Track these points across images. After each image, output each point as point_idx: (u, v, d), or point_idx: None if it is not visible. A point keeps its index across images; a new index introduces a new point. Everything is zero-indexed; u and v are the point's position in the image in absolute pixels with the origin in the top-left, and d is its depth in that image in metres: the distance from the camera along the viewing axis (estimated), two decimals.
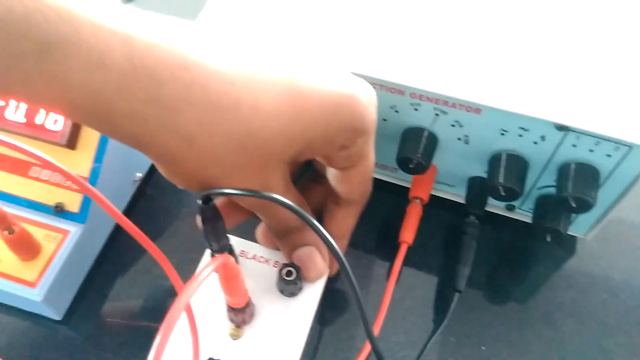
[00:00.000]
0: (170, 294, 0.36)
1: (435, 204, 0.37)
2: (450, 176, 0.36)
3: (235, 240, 0.31)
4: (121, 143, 0.23)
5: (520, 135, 0.31)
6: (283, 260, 0.30)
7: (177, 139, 0.22)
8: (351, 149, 0.26)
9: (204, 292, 0.29)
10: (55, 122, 0.34)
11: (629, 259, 0.37)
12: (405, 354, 0.33)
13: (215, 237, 0.26)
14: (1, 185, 0.35)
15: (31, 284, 0.32)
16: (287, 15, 0.34)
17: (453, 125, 0.32)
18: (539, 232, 0.33)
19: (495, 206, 0.37)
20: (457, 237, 0.35)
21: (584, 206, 0.30)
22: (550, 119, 0.29)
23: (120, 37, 0.19)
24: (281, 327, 0.28)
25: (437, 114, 0.32)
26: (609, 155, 0.29)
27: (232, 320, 0.28)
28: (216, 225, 0.25)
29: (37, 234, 0.33)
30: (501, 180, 0.31)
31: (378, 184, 0.39)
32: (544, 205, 0.34)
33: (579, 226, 0.36)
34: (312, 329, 0.29)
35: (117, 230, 0.38)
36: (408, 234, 0.35)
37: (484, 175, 0.34)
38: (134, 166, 0.39)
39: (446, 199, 0.38)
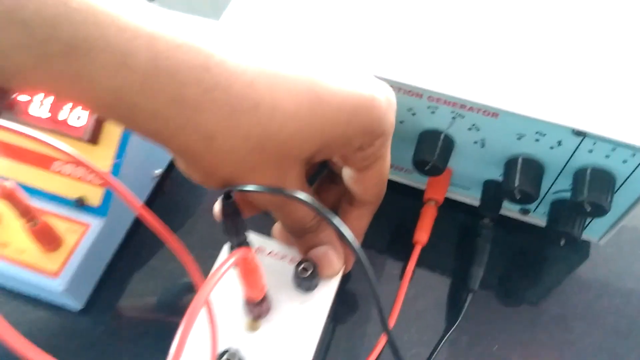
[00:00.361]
0: (186, 289, 0.37)
1: (450, 207, 0.38)
2: (465, 179, 0.37)
3: (252, 236, 0.31)
4: (143, 138, 0.23)
5: (537, 140, 0.31)
6: (299, 256, 0.30)
7: (197, 138, 0.22)
8: (368, 150, 0.27)
9: (222, 285, 0.30)
10: (78, 118, 0.35)
11: None
12: (418, 352, 0.33)
13: (235, 232, 0.26)
14: (25, 178, 0.35)
15: (54, 274, 0.33)
16: (308, 16, 0.34)
17: (470, 129, 0.32)
18: (553, 236, 0.34)
19: (509, 209, 0.38)
20: (471, 239, 0.36)
21: (599, 211, 0.30)
22: (567, 124, 0.29)
23: (144, 39, 0.20)
24: (296, 322, 0.29)
25: (454, 117, 0.32)
26: (625, 162, 0.30)
27: (249, 314, 0.29)
28: (236, 221, 0.26)
29: (60, 226, 0.34)
30: (517, 183, 0.31)
31: (393, 185, 0.40)
32: (558, 210, 0.34)
33: (593, 231, 0.36)
34: (326, 326, 0.30)
35: (136, 225, 0.39)
36: (422, 235, 0.35)
37: (500, 178, 0.34)
38: (154, 163, 0.40)
39: (461, 201, 0.39)
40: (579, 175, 0.31)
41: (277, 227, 0.32)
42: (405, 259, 0.36)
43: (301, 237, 0.29)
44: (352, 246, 0.23)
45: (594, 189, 0.30)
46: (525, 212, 0.37)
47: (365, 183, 0.30)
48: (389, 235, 0.39)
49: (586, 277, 0.37)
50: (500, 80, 0.31)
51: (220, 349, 0.27)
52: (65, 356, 0.34)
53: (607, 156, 0.30)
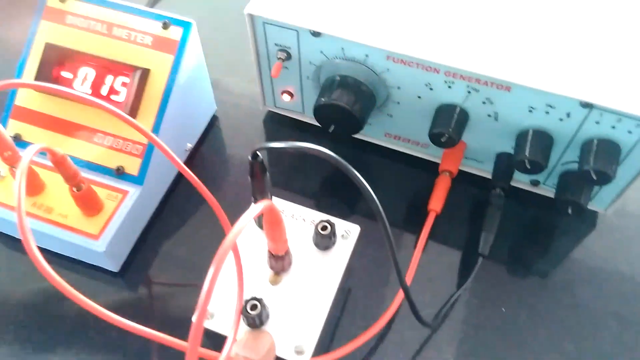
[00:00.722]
0: (214, 256, 0.39)
1: (464, 180, 0.40)
2: (478, 152, 0.39)
3: (275, 200, 0.34)
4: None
5: (547, 112, 0.33)
6: (318, 218, 0.33)
7: None
8: None
9: (248, 241, 0.32)
10: (118, 93, 0.38)
11: None
12: (430, 312, 0.36)
13: (261, 191, 0.29)
14: (69, 150, 0.38)
15: (94, 237, 0.36)
16: None
17: (484, 103, 0.34)
18: (561, 205, 0.36)
19: (520, 181, 0.40)
20: (483, 210, 0.38)
21: (605, 179, 0.32)
22: (576, 96, 0.31)
23: None
24: (315, 277, 0.31)
25: (469, 92, 0.34)
26: (630, 132, 0.32)
27: (272, 268, 0.31)
28: (263, 180, 0.28)
29: (100, 193, 0.37)
30: (527, 154, 0.33)
31: (409, 159, 0.42)
32: (566, 180, 0.36)
33: (599, 201, 0.38)
34: (343, 285, 0.32)
35: (169, 194, 0.41)
36: (436, 203, 0.37)
37: (511, 151, 0.36)
38: (186, 137, 0.43)
39: (474, 174, 0.41)
40: (586, 146, 0.33)
41: None
42: (420, 229, 0.38)
43: None
44: (371, 199, 0.25)
45: (600, 158, 0.32)
46: (536, 183, 0.39)
47: None
48: (405, 206, 0.41)
49: (592, 245, 0.39)
50: (514, 56, 0.33)
51: (246, 297, 0.30)
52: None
53: (613, 127, 0.32)
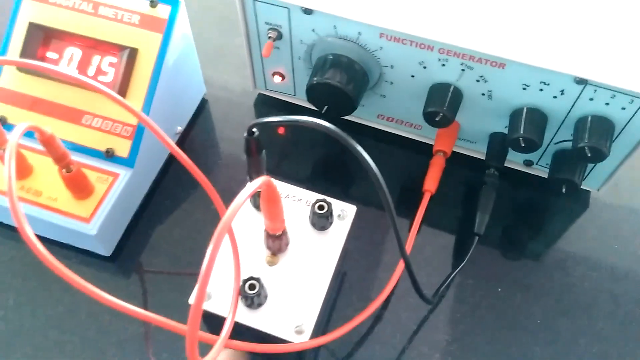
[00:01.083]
0: (209, 238, 0.39)
1: (457, 161, 0.40)
2: (472, 132, 0.39)
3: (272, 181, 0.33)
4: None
5: (541, 90, 0.33)
6: (315, 198, 0.33)
7: None
8: None
9: (244, 223, 0.32)
10: (106, 74, 0.37)
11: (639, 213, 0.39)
12: (426, 293, 0.35)
13: (257, 169, 0.28)
14: (57, 132, 0.37)
15: (85, 220, 0.35)
16: None
17: (478, 81, 0.34)
18: (554, 184, 0.36)
19: (513, 162, 0.40)
20: (477, 191, 0.38)
21: (599, 156, 0.32)
22: (570, 72, 0.31)
23: None
24: (312, 257, 0.31)
25: (463, 70, 0.34)
26: (623, 109, 0.32)
27: (269, 249, 0.31)
28: (259, 157, 0.28)
29: (90, 175, 0.36)
30: (521, 131, 0.33)
31: (403, 141, 0.42)
32: (560, 159, 0.36)
33: (592, 181, 0.38)
34: (340, 266, 0.32)
35: (160, 177, 0.41)
36: (431, 184, 0.37)
37: (505, 131, 0.36)
38: (176, 119, 0.42)
39: (468, 155, 0.41)
40: (580, 123, 0.33)
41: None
42: (415, 211, 0.38)
43: None
44: (373, 172, 0.25)
45: (594, 135, 0.32)
46: (529, 163, 0.39)
47: None
48: (399, 187, 0.41)
49: (585, 225, 0.39)
50: (508, 33, 0.33)
51: (243, 277, 0.29)
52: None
53: (607, 104, 0.32)
